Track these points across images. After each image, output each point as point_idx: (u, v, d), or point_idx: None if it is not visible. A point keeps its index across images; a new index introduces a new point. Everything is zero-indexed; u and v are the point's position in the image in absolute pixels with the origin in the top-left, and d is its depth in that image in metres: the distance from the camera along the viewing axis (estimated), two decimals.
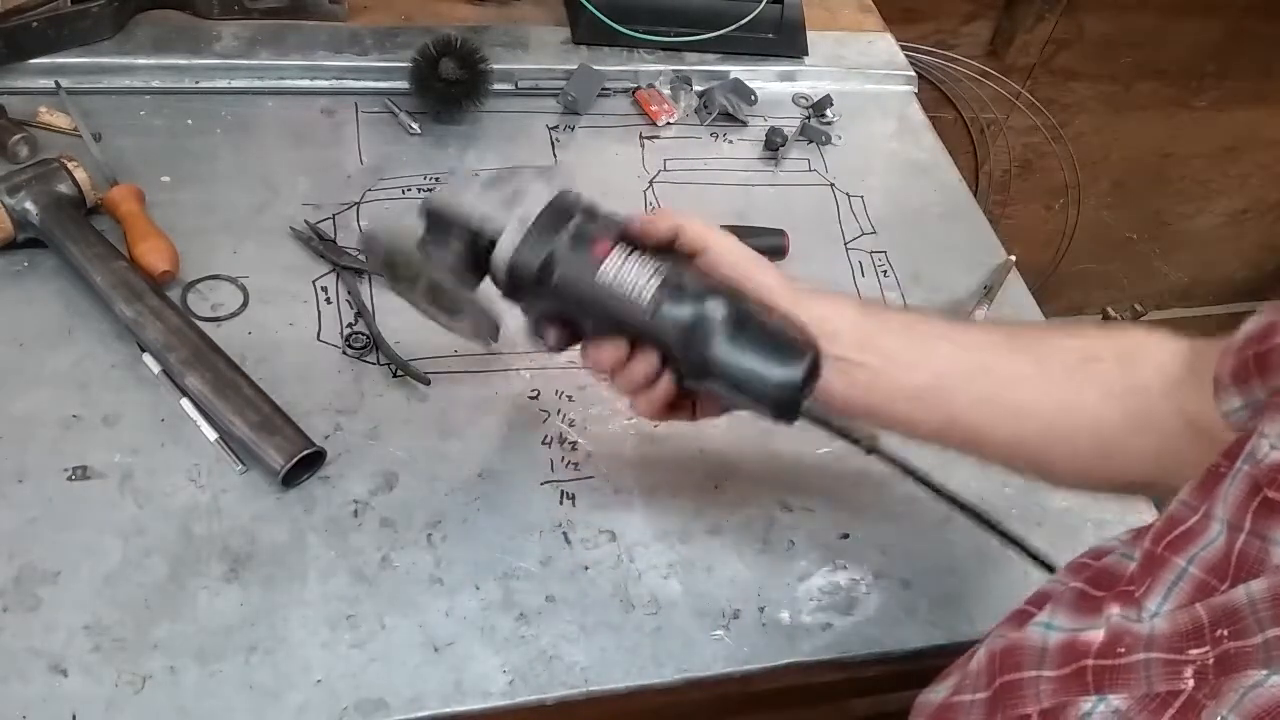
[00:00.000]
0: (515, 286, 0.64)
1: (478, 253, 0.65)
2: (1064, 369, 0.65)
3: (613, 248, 0.63)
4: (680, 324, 0.61)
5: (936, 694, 0.59)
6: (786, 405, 0.62)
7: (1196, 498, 0.51)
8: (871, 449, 0.64)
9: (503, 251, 0.63)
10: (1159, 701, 0.44)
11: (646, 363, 0.63)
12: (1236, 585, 0.45)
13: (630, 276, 0.62)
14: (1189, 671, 0.44)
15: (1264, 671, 0.41)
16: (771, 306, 0.64)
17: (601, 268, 0.62)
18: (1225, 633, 0.43)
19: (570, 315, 0.65)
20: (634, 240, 0.64)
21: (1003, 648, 0.53)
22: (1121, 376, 0.64)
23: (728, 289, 0.63)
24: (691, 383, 0.63)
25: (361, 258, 0.90)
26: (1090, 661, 0.48)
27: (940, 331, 0.68)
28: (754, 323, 0.62)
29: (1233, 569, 0.46)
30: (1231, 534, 0.47)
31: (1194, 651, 0.44)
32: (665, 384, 0.64)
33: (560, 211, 0.64)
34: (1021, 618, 0.56)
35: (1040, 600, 0.56)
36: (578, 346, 0.67)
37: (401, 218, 0.69)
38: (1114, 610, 0.50)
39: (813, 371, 0.61)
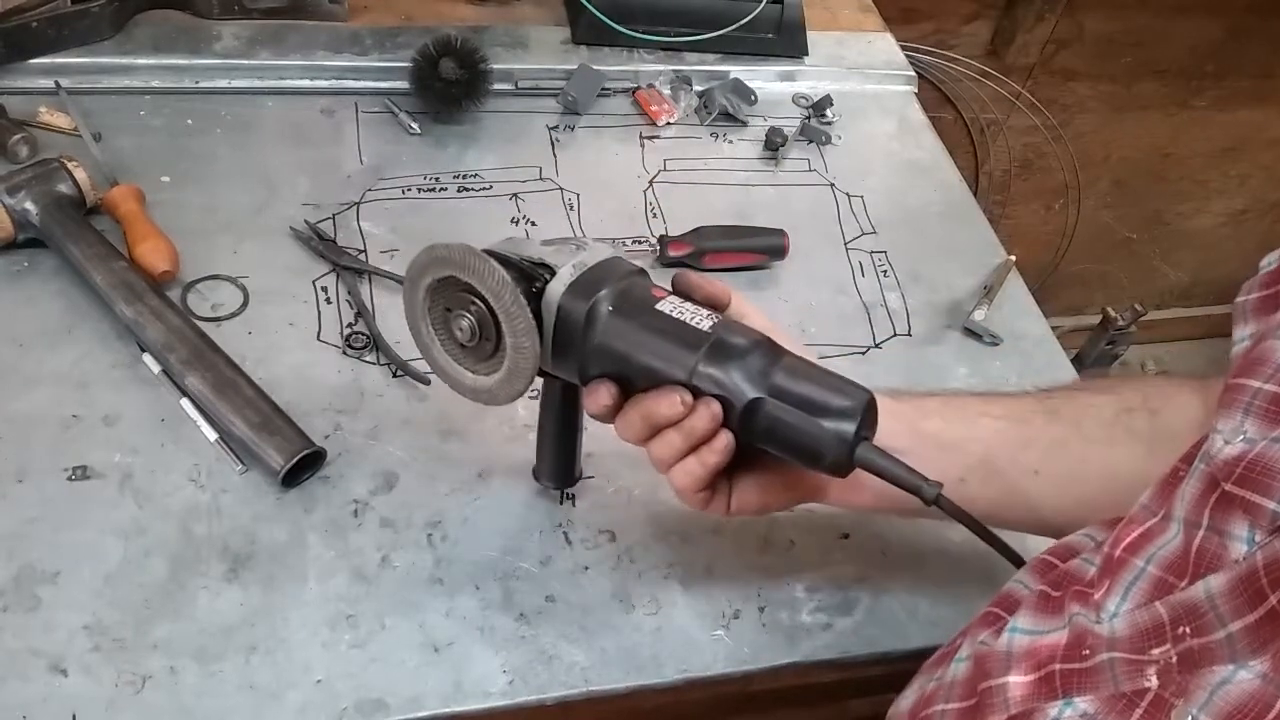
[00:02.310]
0: (565, 327, 0.62)
1: (527, 299, 0.62)
2: (1101, 426, 0.65)
3: (668, 295, 0.63)
4: (738, 354, 0.59)
5: (906, 699, 0.58)
6: (842, 442, 0.58)
7: (1156, 502, 0.51)
8: (936, 500, 0.59)
9: (558, 284, 0.62)
10: (1126, 701, 0.44)
11: (709, 410, 0.58)
12: (1195, 582, 0.44)
13: (689, 310, 0.62)
14: (1152, 670, 0.43)
15: (1230, 666, 0.41)
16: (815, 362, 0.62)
17: (660, 303, 0.62)
18: (1187, 630, 0.43)
19: (620, 356, 0.61)
20: (686, 293, 0.64)
21: (979, 655, 0.53)
22: (1152, 425, 0.63)
23: (777, 345, 0.61)
24: (745, 433, 0.60)
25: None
26: (1058, 666, 0.48)
27: (977, 408, 0.67)
28: (806, 369, 0.60)
29: (1191, 566, 0.46)
30: (1189, 531, 0.47)
31: (1156, 651, 0.44)
32: (725, 438, 0.59)
33: (617, 267, 0.64)
34: (990, 620, 0.55)
35: (1006, 603, 0.56)
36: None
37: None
38: (1074, 609, 0.50)
39: (868, 417, 0.59)
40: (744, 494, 0.65)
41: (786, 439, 0.59)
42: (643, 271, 0.65)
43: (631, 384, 0.62)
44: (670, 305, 0.62)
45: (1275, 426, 0.46)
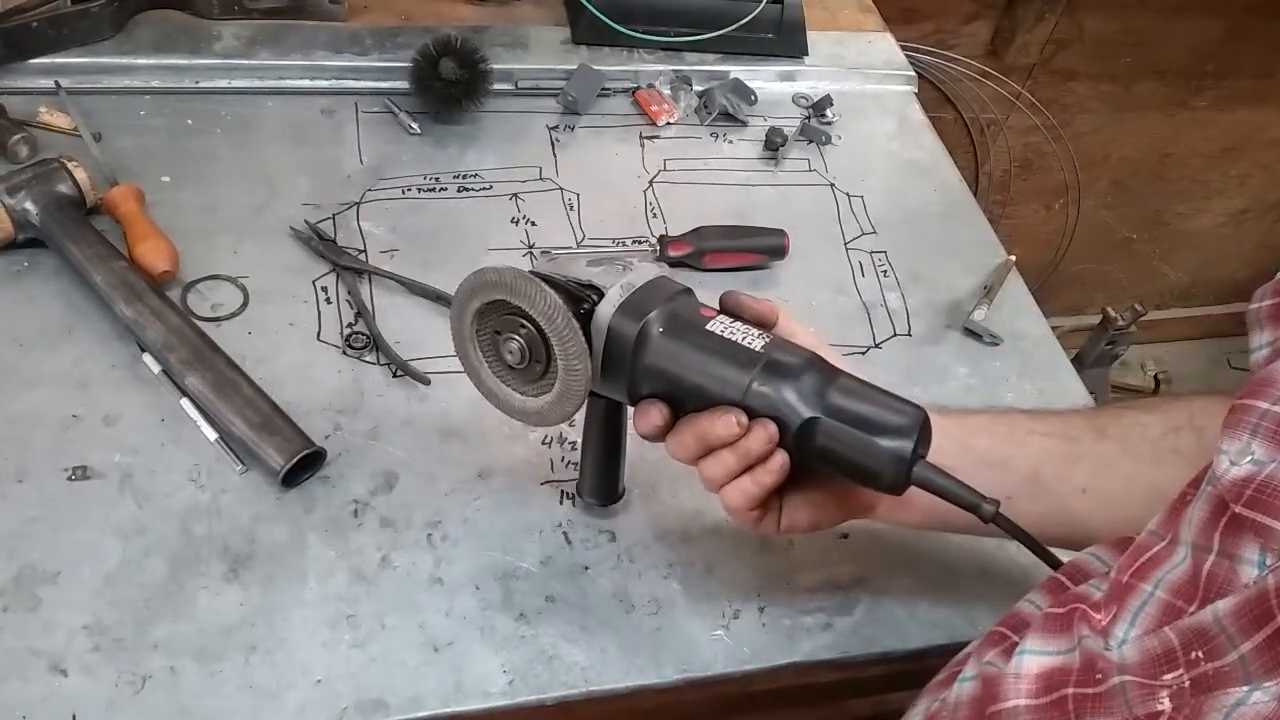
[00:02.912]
0: (615, 348, 0.62)
1: (577, 320, 0.62)
2: (1148, 445, 0.65)
3: (717, 314, 0.63)
4: (791, 374, 0.59)
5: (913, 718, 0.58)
6: (899, 460, 0.58)
7: (1164, 526, 0.50)
8: (994, 517, 0.59)
9: (607, 305, 0.62)
10: None
11: (765, 431, 0.58)
12: (1205, 606, 0.44)
13: (739, 330, 0.61)
14: (1164, 694, 0.43)
15: (1245, 689, 0.40)
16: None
17: (710, 323, 0.62)
18: (1200, 654, 0.43)
19: (672, 377, 0.61)
20: (734, 312, 0.64)
21: (986, 676, 0.52)
22: (1199, 444, 0.63)
23: (829, 363, 0.61)
24: (799, 453, 0.60)
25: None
26: (1070, 690, 0.47)
27: (1025, 425, 0.67)
28: (860, 388, 0.60)
29: (1201, 590, 0.45)
30: (1198, 555, 0.46)
31: (1168, 676, 0.43)
32: (781, 458, 0.59)
33: (665, 287, 0.63)
34: (997, 640, 0.55)
35: (1014, 622, 0.55)
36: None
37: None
38: (1083, 631, 0.49)
39: (924, 435, 0.59)
40: (794, 512, 0.64)
41: (842, 458, 0.59)
42: (689, 290, 0.64)
43: (683, 404, 0.62)
44: (721, 325, 0.62)
45: None
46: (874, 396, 0.60)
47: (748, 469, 0.60)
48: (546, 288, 0.60)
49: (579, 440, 0.81)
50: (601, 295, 0.62)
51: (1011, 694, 0.49)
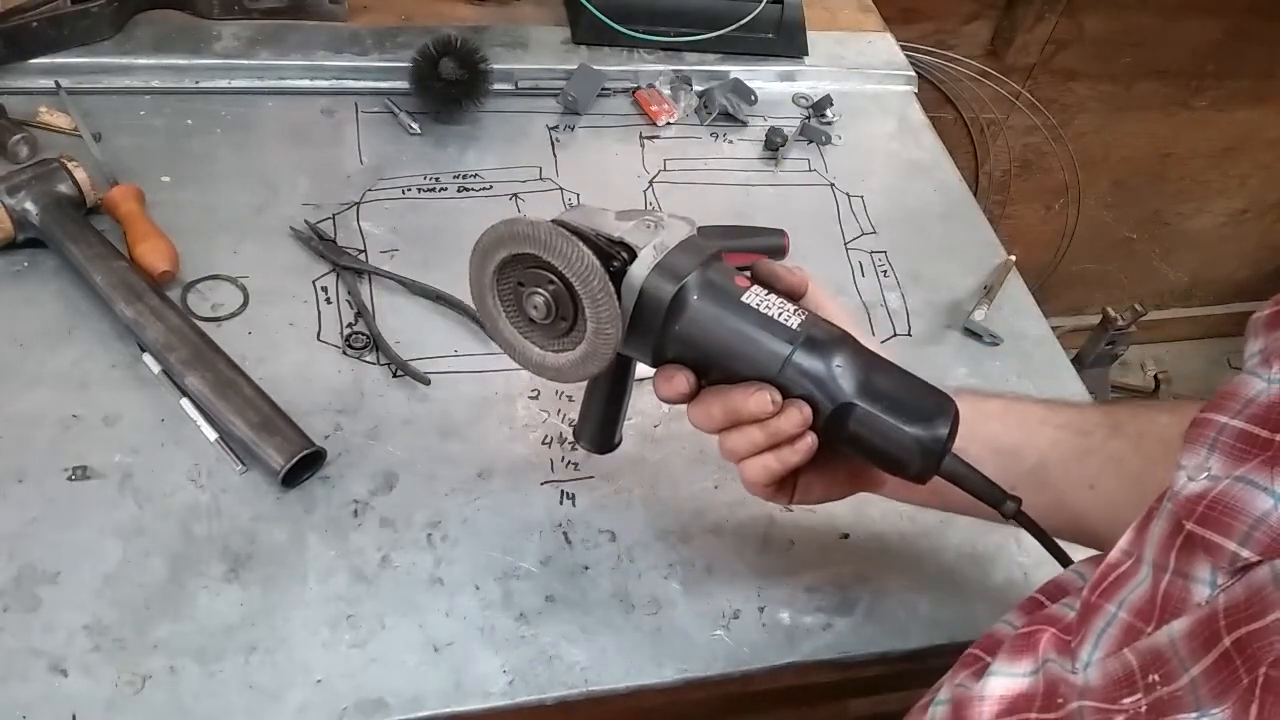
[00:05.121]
0: (645, 312, 0.60)
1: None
2: (1162, 445, 0.63)
3: (751, 284, 0.61)
4: (827, 354, 0.58)
5: None
6: (930, 452, 0.57)
7: (1132, 544, 0.50)
8: (1015, 514, 0.59)
9: (641, 266, 0.59)
10: None
11: (800, 414, 0.57)
12: (1161, 627, 0.43)
13: (775, 304, 0.60)
14: (1120, 718, 0.42)
15: (1193, 714, 0.39)
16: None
17: (746, 294, 0.60)
18: (1156, 678, 0.42)
19: (704, 347, 0.60)
20: (767, 283, 0.63)
21: (958, 699, 0.51)
22: None
23: (861, 345, 0.61)
24: (827, 435, 0.59)
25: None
26: (1033, 715, 0.47)
27: (1039, 415, 0.67)
28: (893, 374, 0.59)
29: (1158, 611, 0.44)
30: (1157, 574, 0.46)
31: (1127, 700, 0.43)
32: (810, 440, 0.58)
33: (698, 247, 0.61)
34: (971, 663, 0.54)
35: (988, 643, 0.55)
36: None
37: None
38: (1049, 655, 0.49)
39: (954, 425, 0.59)
40: (808, 486, 0.64)
41: (872, 445, 0.58)
42: (719, 254, 0.63)
43: (708, 373, 0.60)
44: (756, 297, 0.60)
45: (1240, 464, 0.44)
46: (907, 384, 0.59)
47: (774, 447, 0.59)
48: (584, 247, 0.58)
49: (576, 438, 0.81)
50: (633, 254, 0.60)
51: (975, 716, 0.49)
